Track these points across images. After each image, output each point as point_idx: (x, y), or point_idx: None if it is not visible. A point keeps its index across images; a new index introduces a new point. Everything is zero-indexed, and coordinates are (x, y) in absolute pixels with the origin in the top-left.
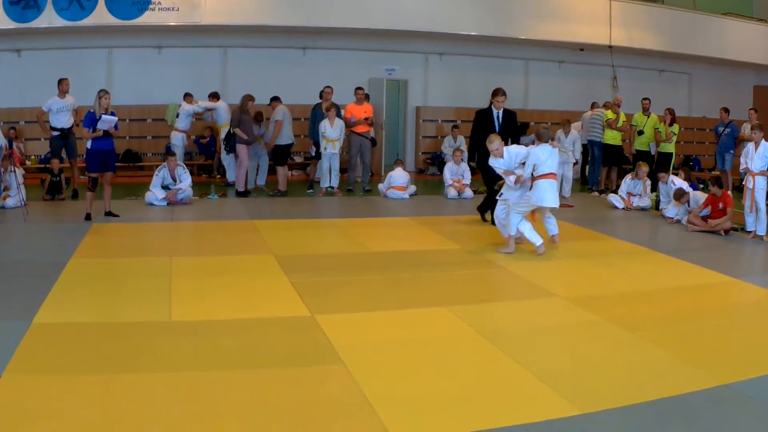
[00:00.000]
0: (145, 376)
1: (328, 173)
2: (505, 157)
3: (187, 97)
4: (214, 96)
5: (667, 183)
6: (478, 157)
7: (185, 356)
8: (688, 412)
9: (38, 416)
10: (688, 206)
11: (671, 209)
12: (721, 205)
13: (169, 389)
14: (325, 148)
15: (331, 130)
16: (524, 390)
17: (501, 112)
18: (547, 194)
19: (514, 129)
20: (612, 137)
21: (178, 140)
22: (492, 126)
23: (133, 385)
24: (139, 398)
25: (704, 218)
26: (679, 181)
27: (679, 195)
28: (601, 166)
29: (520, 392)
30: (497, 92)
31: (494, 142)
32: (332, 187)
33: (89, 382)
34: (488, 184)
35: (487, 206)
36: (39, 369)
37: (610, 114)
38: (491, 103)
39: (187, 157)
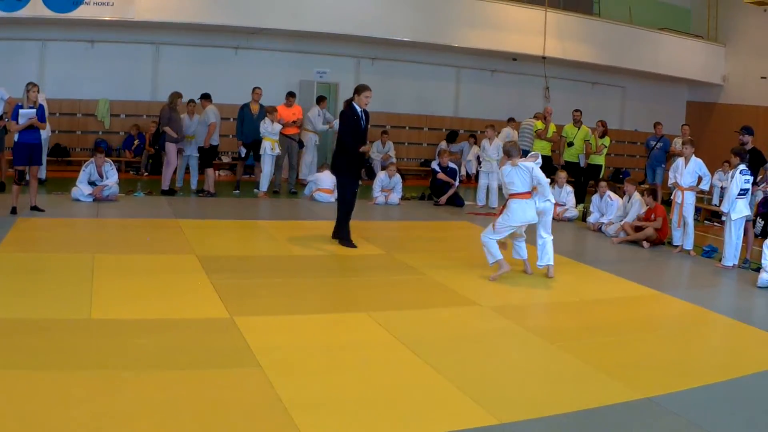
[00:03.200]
0: (60, 374)
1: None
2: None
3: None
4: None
5: (603, 196)
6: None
7: (102, 355)
8: (609, 425)
9: None
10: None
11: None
12: (653, 216)
13: (84, 388)
14: (272, 149)
15: (272, 129)
16: (442, 398)
17: (364, 110)
18: (526, 212)
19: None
20: (541, 148)
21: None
22: (358, 124)
23: (49, 383)
24: (53, 396)
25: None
26: (615, 197)
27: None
28: None
29: (438, 400)
30: (364, 88)
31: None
32: (260, 191)
33: (6, 377)
34: (343, 201)
35: (343, 228)
36: None
37: (539, 124)
38: (352, 99)
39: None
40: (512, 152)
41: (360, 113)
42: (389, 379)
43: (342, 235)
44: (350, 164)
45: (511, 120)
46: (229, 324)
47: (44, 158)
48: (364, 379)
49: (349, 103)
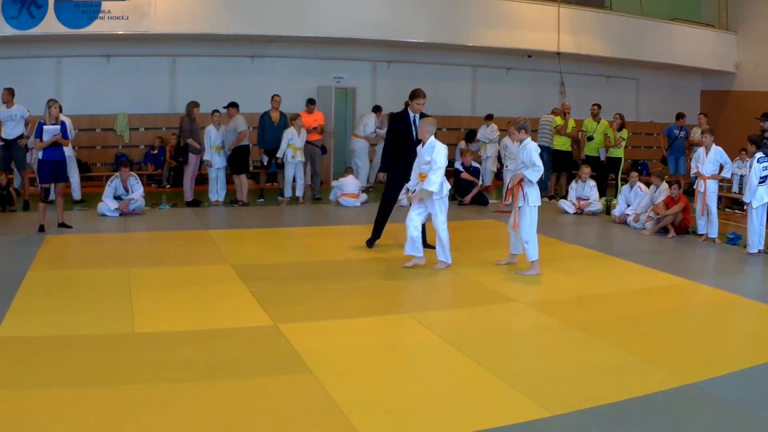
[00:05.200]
0: (112, 390)
1: (292, 182)
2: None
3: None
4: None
5: (633, 186)
6: (392, 168)
7: (150, 368)
8: (657, 412)
9: None
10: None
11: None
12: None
13: (135, 402)
14: (293, 156)
15: (298, 139)
16: (492, 394)
17: (418, 116)
18: None
19: None
20: (561, 143)
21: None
22: (410, 132)
23: (101, 399)
24: (107, 412)
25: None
26: (644, 188)
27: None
28: (550, 172)
29: (488, 396)
30: (417, 94)
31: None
32: (298, 197)
33: (57, 396)
34: (393, 198)
35: (379, 232)
36: (6, 384)
37: (558, 120)
38: (407, 105)
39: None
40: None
41: (413, 119)
42: (438, 377)
43: (376, 234)
44: (395, 172)
45: (489, 117)
46: (273, 331)
47: (77, 177)
48: (414, 378)
49: (404, 110)
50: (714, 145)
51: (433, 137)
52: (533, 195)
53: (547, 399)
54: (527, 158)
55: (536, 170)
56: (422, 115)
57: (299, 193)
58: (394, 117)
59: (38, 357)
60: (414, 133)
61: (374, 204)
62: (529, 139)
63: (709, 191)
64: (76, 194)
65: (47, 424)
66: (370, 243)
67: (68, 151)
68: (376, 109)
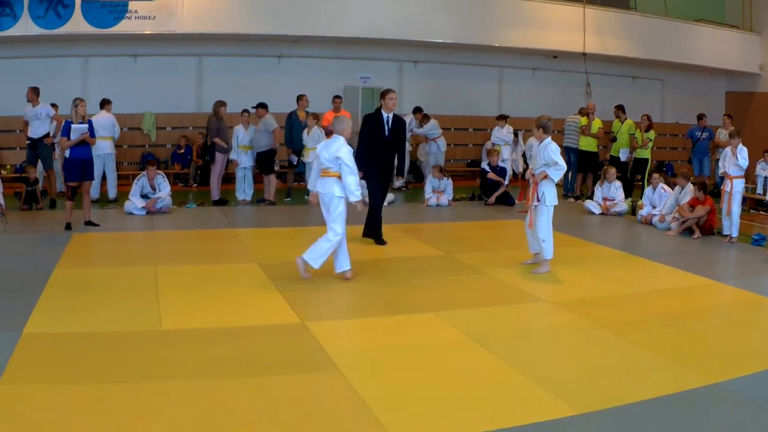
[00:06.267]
0: (139, 386)
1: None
2: None
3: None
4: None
5: (656, 188)
6: (367, 167)
7: (179, 365)
8: (683, 410)
9: (35, 428)
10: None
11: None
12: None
13: (165, 398)
14: (305, 156)
15: (308, 138)
16: (520, 392)
17: (391, 116)
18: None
19: (402, 137)
20: (587, 144)
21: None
22: (381, 131)
23: (128, 395)
24: (134, 408)
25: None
26: (667, 189)
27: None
28: (576, 173)
29: (516, 394)
30: (387, 92)
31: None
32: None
33: (84, 392)
34: (374, 199)
35: (374, 226)
36: (34, 380)
37: (584, 121)
38: (380, 105)
39: None
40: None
41: (385, 118)
42: (466, 375)
43: (373, 232)
44: (370, 170)
45: (503, 117)
46: (301, 329)
47: (113, 175)
48: (442, 376)
49: (377, 110)
50: (741, 145)
51: (340, 137)
52: (550, 194)
53: (573, 397)
54: (548, 157)
55: (558, 169)
56: (395, 116)
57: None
58: (366, 118)
59: (64, 353)
60: (386, 131)
61: (401, 204)
62: (549, 138)
63: (734, 191)
64: (112, 193)
65: (73, 419)
66: (379, 240)
67: (109, 148)
68: (415, 110)
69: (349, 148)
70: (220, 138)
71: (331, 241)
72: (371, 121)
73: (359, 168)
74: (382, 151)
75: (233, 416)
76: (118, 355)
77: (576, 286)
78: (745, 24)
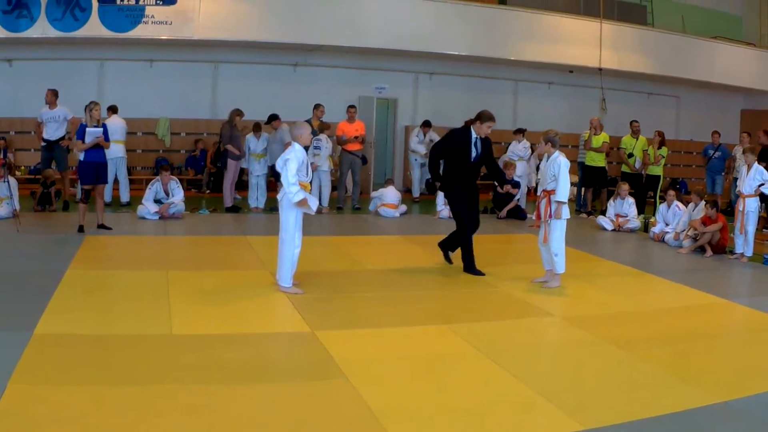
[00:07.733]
0: (148, 389)
1: (318, 191)
2: None
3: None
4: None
5: (671, 206)
6: (449, 184)
7: (188, 369)
8: (690, 428)
9: (44, 428)
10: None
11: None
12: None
13: (173, 402)
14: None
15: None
16: (527, 406)
17: (479, 138)
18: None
19: (490, 158)
20: (592, 158)
21: None
22: (468, 152)
23: (137, 398)
24: (142, 411)
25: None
26: (681, 207)
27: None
28: (580, 188)
29: (523, 408)
30: (487, 117)
31: None
32: (322, 206)
33: (93, 394)
34: (458, 217)
35: (453, 244)
36: (43, 380)
37: (586, 135)
38: (470, 125)
39: None
40: (556, 142)
41: (474, 140)
42: (474, 387)
43: (446, 246)
44: (452, 187)
45: (520, 131)
46: (311, 338)
47: (125, 179)
48: (450, 388)
49: (467, 128)
50: (756, 163)
51: (295, 143)
52: (563, 209)
53: (580, 412)
54: (556, 172)
55: (563, 189)
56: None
57: (324, 202)
58: (453, 133)
59: (75, 355)
60: (475, 151)
61: (413, 215)
62: (557, 152)
63: (747, 210)
64: (125, 197)
65: (82, 420)
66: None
67: (121, 152)
68: (424, 125)
69: (300, 157)
70: (232, 145)
71: (291, 251)
72: (459, 139)
73: (435, 179)
74: (468, 172)
75: (240, 422)
76: (128, 357)
77: (586, 301)
78: (762, 42)
